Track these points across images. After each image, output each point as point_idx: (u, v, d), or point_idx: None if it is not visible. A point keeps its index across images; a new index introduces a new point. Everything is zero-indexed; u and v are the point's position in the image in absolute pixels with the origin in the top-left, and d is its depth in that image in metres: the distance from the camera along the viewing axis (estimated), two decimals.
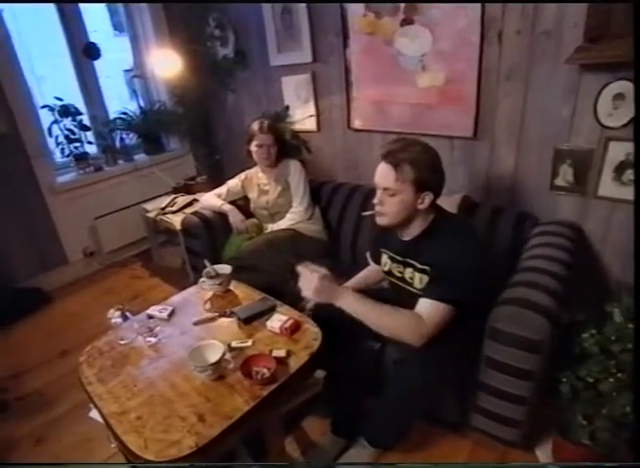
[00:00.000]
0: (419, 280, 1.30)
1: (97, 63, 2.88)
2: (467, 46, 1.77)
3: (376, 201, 1.29)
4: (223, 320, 1.43)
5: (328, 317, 1.43)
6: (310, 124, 2.54)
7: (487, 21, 1.69)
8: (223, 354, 1.16)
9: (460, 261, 1.19)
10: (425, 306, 1.19)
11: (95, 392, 1.19)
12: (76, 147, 2.77)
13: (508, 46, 1.69)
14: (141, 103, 3.07)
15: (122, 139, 3.01)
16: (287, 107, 2.58)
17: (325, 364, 1.51)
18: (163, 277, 2.84)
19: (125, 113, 2.98)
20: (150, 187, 3.00)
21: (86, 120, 2.82)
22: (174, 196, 2.80)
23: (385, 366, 1.47)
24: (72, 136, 2.72)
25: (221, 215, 2.25)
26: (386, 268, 1.45)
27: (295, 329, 1.32)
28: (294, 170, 2.17)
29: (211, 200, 2.30)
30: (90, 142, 2.87)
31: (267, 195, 2.20)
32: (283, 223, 2.15)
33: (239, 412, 1.05)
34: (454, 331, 1.19)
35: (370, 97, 2.21)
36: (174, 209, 2.66)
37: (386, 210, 1.27)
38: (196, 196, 2.69)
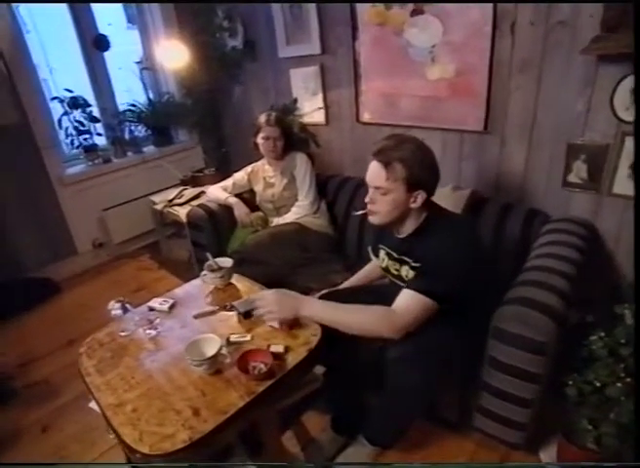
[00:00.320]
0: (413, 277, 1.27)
1: (111, 56, 2.88)
2: (479, 37, 1.71)
3: (367, 199, 1.26)
4: (224, 313, 1.42)
5: None
6: (319, 117, 2.51)
7: (499, 12, 1.64)
8: (220, 348, 1.15)
9: (448, 257, 1.16)
10: (405, 297, 1.17)
11: (93, 383, 1.19)
12: (85, 139, 2.79)
13: (521, 37, 1.63)
14: (150, 95, 3.07)
15: (131, 131, 3.03)
16: (295, 100, 2.56)
17: (325, 360, 1.49)
18: (170, 269, 2.85)
19: (134, 105, 2.98)
20: (158, 179, 3.00)
21: (96, 112, 2.84)
22: (181, 188, 2.81)
23: (385, 363, 1.45)
24: (82, 128, 2.74)
25: (227, 208, 2.24)
26: (384, 264, 1.42)
27: (294, 324, 1.30)
28: (300, 163, 2.15)
29: (216, 193, 2.29)
30: (99, 134, 2.89)
31: (273, 188, 2.18)
32: (288, 217, 2.14)
33: (234, 408, 1.04)
34: (453, 329, 1.16)
35: (379, 90, 2.17)
36: (181, 201, 2.67)
37: (378, 208, 1.24)
38: (204, 188, 2.68)
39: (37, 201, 2.64)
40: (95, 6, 2.75)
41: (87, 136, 2.79)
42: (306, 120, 2.52)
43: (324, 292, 1.60)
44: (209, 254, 1.59)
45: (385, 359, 1.39)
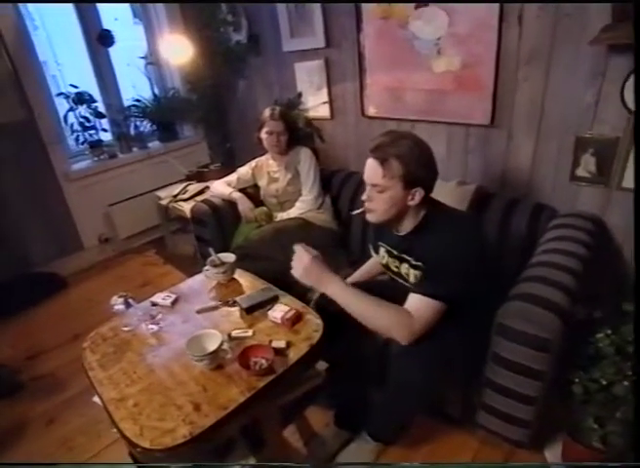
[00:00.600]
0: (413, 276, 1.26)
1: (117, 51, 2.88)
2: (485, 28, 1.68)
3: (364, 197, 1.24)
4: (226, 309, 1.42)
5: (332, 308, 1.41)
6: (323, 111, 2.49)
7: (506, 4, 1.60)
8: (221, 344, 1.15)
9: (450, 256, 1.14)
10: (415, 302, 1.15)
11: (96, 377, 1.20)
12: (91, 135, 2.80)
13: (529, 27, 1.59)
14: (156, 91, 3.07)
15: (136, 127, 3.03)
16: (300, 94, 2.54)
17: (328, 355, 1.49)
18: (176, 264, 2.86)
19: (139, 100, 2.99)
20: (164, 175, 3.01)
21: (101, 107, 2.84)
22: (186, 183, 2.81)
23: (389, 359, 1.44)
24: (87, 124, 2.75)
25: (231, 204, 2.24)
26: (384, 262, 1.41)
27: (296, 320, 1.30)
28: (304, 157, 2.13)
29: (220, 188, 2.29)
30: (104, 130, 2.90)
31: (277, 183, 2.17)
32: (292, 212, 2.13)
33: (234, 403, 1.04)
34: (451, 326, 1.14)
35: (384, 84, 2.14)
36: (186, 196, 2.67)
37: (375, 206, 1.22)
38: (208, 184, 2.68)
39: (43, 197, 2.65)
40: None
41: (92, 131, 2.80)
42: (311, 114, 2.50)
43: None
44: (211, 250, 1.59)
45: (389, 354, 1.39)
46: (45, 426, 1.73)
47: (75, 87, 2.69)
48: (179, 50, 2.66)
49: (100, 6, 2.76)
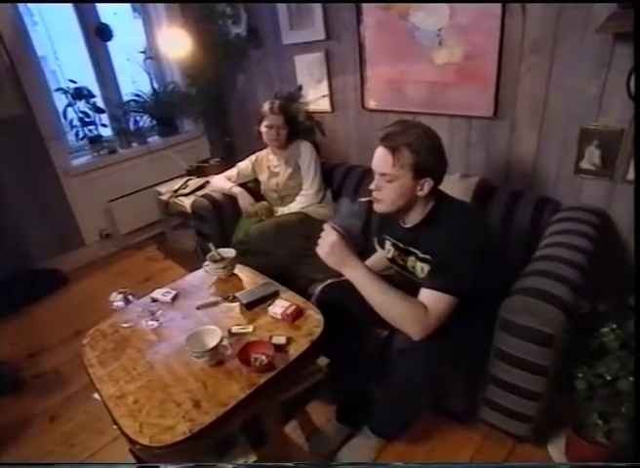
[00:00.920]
0: (420, 269, 1.24)
1: (117, 46, 2.86)
2: (488, 18, 1.65)
3: (373, 187, 1.22)
4: (226, 305, 1.40)
5: (334, 303, 1.40)
6: (324, 104, 2.47)
7: None
8: (221, 340, 1.14)
9: (462, 250, 1.12)
10: (427, 297, 1.12)
11: (96, 374, 1.19)
12: (90, 130, 2.78)
13: (533, 16, 1.56)
14: (155, 85, 3.04)
15: (136, 122, 3.01)
16: (300, 87, 2.52)
17: (329, 351, 1.48)
18: (177, 260, 2.85)
19: (138, 95, 2.96)
20: (164, 170, 2.99)
21: (100, 102, 2.82)
22: (187, 178, 2.80)
23: (392, 354, 1.43)
24: (87, 119, 2.74)
25: (232, 198, 2.22)
26: (390, 255, 1.39)
27: (297, 315, 1.29)
28: (304, 151, 2.11)
29: (221, 182, 2.27)
30: (104, 125, 2.88)
31: (277, 177, 2.15)
32: (293, 206, 2.11)
33: (234, 400, 1.03)
34: (459, 321, 1.13)
35: (385, 76, 2.11)
36: (186, 191, 2.65)
37: (384, 196, 1.20)
38: (209, 178, 2.66)
39: (44, 193, 2.64)
40: None
41: (92, 127, 2.78)
42: (311, 108, 2.48)
43: (329, 282, 1.57)
44: (211, 245, 1.58)
45: (391, 349, 1.38)
46: (47, 423, 1.73)
47: (74, 82, 2.66)
48: (177, 43, 2.63)
49: None
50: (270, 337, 1.21)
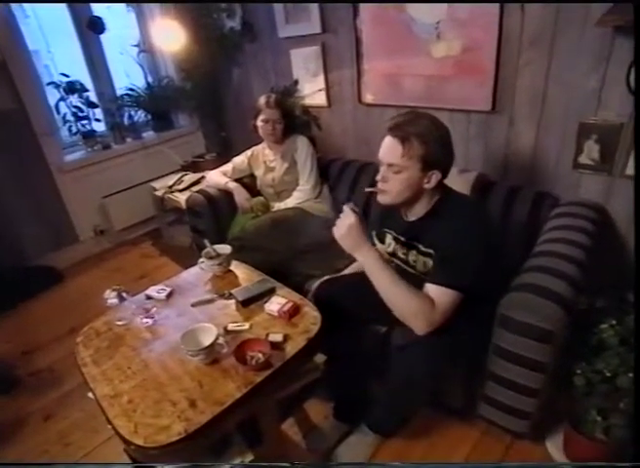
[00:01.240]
0: (422, 263, 1.22)
1: (110, 39, 2.81)
2: (486, 11, 1.62)
3: (379, 177, 1.20)
4: (222, 302, 1.39)
5: (331, 299, 1.39)
6: (320, 98, 2.44)
7: None
8: (217, 338, 1.12)
9: (467, 244, 1.11)
10: (433, 292, 1.11)
11: (89, 373, 1.17)
12: (84, 125, 2.74)
13: (532, 9, 1.53)
14: (149, 79, 3.00)
15: (130, 117, 2.97)
16: (296, 81, 2.49)
17: (326, 348, 1.46)
18: (172, 256, 2.83)
19: (132, 89, 2.92)
20: (159, 165, 2.96)
21: (93, 97, 2.78)
22: (182, 174, 2.77)
23: (390, 351, 1.42)
24: (80, 114, 2.69)
25: (227, 194, 2.20)
26: (390, 249, 1.37)
27: (294, 312, 1.27)
28: (301, 146, 2.09)
29: (216, 177, 2.25)
30: (98, 120, 2.83)
31: (273, 172, 2.13)
32: (290, 202, 2.09)
33: (231, 399, 1.01)
34: (459, 317, 1.11)
35: (382, 70, 2.09)
36: (181, 187, 2.63)
37: (390, 187, 1.18)
38: (204, 174, 2.64)
39: (37, 189, 2.61)
40: None
41: (85, 121, 2.74)
42: (308, 102, 2.45)
43: (326, 278, 1.56)
44: (207, 241, 1.56)
45: (390, 346, 1.37)
46: (42, 422, 1.71)
47: (66, 76, 2.62)
48: (171, 36, 2.59)
49: None
50: (267, 335, 1.19)
